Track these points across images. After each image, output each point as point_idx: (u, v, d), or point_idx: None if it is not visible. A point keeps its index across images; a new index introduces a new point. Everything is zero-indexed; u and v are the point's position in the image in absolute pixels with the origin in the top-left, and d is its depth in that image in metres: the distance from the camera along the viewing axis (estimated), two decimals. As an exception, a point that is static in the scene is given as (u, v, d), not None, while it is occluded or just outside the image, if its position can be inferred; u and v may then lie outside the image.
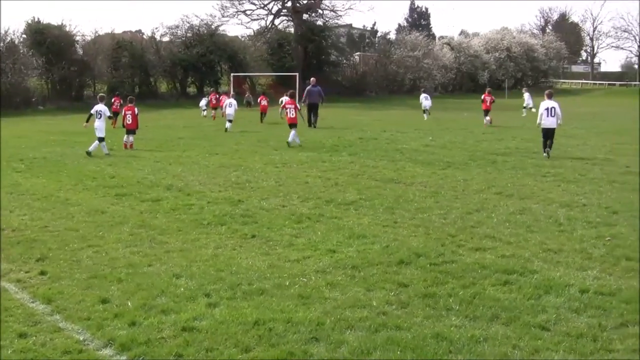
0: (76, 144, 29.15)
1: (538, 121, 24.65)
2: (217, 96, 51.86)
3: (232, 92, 49.42)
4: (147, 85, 76.36)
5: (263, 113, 45.39)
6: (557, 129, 24.34)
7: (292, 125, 28.15)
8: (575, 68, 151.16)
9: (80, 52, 73.56)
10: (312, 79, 42.32)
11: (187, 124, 42.89)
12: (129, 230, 12.70)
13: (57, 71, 67.17)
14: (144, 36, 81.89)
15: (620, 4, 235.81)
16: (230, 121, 37.11)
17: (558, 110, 24.16)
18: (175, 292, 9.05)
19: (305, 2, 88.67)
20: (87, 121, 26.22)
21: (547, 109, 24.16)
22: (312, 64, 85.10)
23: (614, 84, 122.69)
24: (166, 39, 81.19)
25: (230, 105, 38.20)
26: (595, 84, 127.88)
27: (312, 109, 39.11)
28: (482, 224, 12.99)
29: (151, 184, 18.13)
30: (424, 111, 47.88)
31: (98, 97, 28.18)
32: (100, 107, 25.91)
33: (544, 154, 23.57)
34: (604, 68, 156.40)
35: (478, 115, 42.96)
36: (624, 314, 8.11)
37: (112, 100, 41.29)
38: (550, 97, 24.82)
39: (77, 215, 14.11)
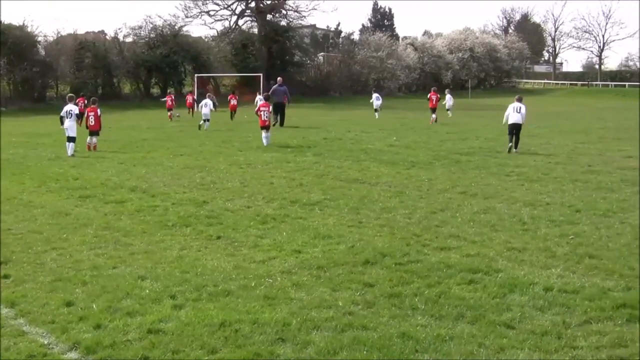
0: (39, 145, 28.89)
1: (504, 120, 26.17)
2: (173, 97, 52.23)
3: (208, 93, 50.24)
4: (110, 86, 75.87)
5: (233, 111, 48.00)
6: (521, 126, 25.80)
7: (266, 127, 28.21)
8: (538, 68, 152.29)
9: (43, 52, 72.91)
10: (278, 78, 43.45)
11: (151, 125, 42.64)
12: (93, 233, 12.61)
13: (19, 72, 66.53)
14: (107, 37, 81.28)
15: (581, 5, 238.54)
16: (207, 120, 38.41)
17: (523, 110, 25.97)
18: (140, 294, 9.00)
19: (269, 2, 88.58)
20: (62, 123, 25.94)
21: (513, 107, 26.09)
22: (276, 65, 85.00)
23: (576, 84, 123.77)
24: (129, 39, 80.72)
25: (205, 105, 39.45)
26: (558, 83, 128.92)
27: (278, 109, 39.60)
28: (447, 224, 13.06)
29: (115, 186, 18.01)
30: (375, 110, 50.46)
31: (67, 97, 28.00)
32: (70, 106, 25.81)
33: (509, 149, 25.13)
34: (565, 68, 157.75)
35: (442, 114, 43.24)
36: (587, 311, 8.19)
37: (77, 101, 41.07)
38: (519, 100, 26.62)
39: (41, 218, 13.98)
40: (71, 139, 25.24)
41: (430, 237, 11.93)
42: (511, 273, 9.69)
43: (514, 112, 25.87)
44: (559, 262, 10.29)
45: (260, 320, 7.95)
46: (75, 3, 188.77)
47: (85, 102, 40.71)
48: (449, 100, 50.26)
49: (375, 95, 52.25)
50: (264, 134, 27.99)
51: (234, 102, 48.85)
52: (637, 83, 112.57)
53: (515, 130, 25.53)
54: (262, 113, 28.18)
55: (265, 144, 27.58)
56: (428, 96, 44.49)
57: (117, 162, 22.83)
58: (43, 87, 71.86)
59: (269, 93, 37.43)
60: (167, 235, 12.39)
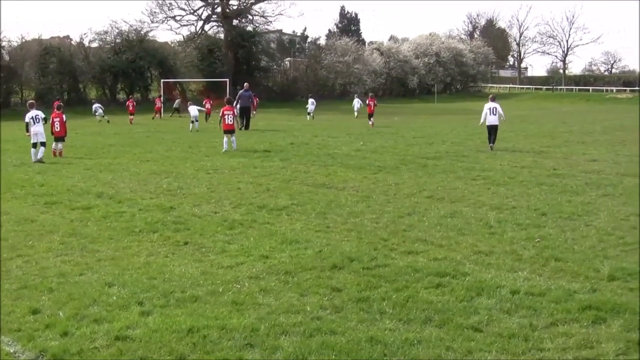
0: (3, 151, 28.62)
1: (481, 121, 28.68)
2: (134, 103, 55.15)
3: (190, 98, 53.51)
4: (76, 91, 75.56)
5: (208, 115, 51.96)
6: (499, 125, 28.17)
7: (229, 131, 28.21)
8: (503, 73, 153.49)
9: (7, 58, 72.36)
10: (245, 84, 44.52)
11: (118, 130, 42.45)
12: (60, 239, 12.51)
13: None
14: (73, 42, 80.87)
15: (545, 10, 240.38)
16: (196, 121, 41.69)
17: (499, 109, 28.15)
18: (107, 301, 8.94)
19: (235, 7, 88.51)
20: (27, 131, 25.73)
21: (489, 109, 28.06)
22: (243, 70, 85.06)
23: (541, 89, 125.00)
24: (95, 44, 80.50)
25: (194, 109, 42.51)
26: (523, 88, 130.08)
27: (244, 113, 41.08)
28: (414, 228, 13.10)
29: (81, 192, 17.88)
30: (309, 114, 55.79)
31: (28, 104, 27.75)
32: (34, 112, 25.65)
33: (489, 148, 27.35)
34: (530, 73, 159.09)
35: (408, 119, 43.48)
36: (553, 313, 8.25)
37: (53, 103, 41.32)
38: (493, 100, 28.79)
39: (6, 225, 13.84)
40: (43, 144, 25.15)
41: (397, 241, 11.96)
42: (478, 276, 9.73)
43: (490, 115, 27.88)
44: (526, 265, 10.36)
45: (228, 326, 7.93)
46: (39, 7, 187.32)
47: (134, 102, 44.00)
48: (356, 103, 57.07)
49: (310, 100, 57.63)
50: (226, 138, 27.98)
51: (208, 105, 53.83)
52: (601, 87, 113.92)
53: (493, 130, 27.79)
54: (225, 117, 28.17)
55: (225, 149, 27.61)
56: (367, 102, 48.31)
57: (83, 168, 22.68)
58: (7, 93, 71.37)
59: (235, 98, 37.69)
60: (134, 241, 12.31)
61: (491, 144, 27.50)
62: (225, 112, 28.25)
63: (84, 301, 8.92)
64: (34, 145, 25.18)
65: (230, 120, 28.13)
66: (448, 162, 23.28)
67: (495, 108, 28.00)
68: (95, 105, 55.76)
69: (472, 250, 11.25)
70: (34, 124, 25.30)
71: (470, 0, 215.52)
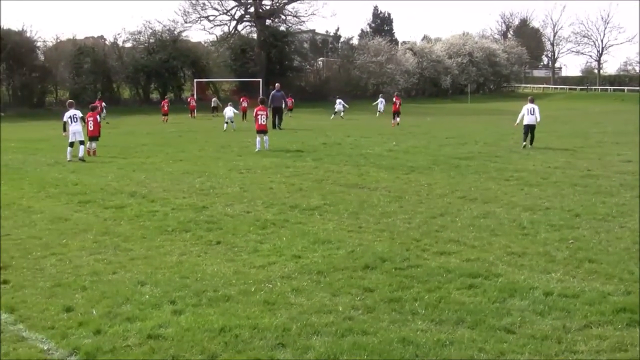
0: (38, 150, 28.92)
1: (517, 121, 29.73)
2: (168, 103, 55.42)
3: (214, 98, 53.56)
4: (109, 91, 76.06)
5: (244, 113, 53.23)
6: (536, 125, 28.81)
7: (262, 131, 28.33)
8: (537, 73, 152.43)
9: (42, 58, 73.18)
10: (276, 84, 45.15)
11: (150, 130, 42.69)
12: (93, 238, 12.59)
13: (18, 77, 66.75)
14: (107, 42, 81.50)
15: (579, 10, 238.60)
16: (232, 122, 41.71)
17: (537, 111, 28.84)
18: (140, 299, 8.98)
19: (268, 7, 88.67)
20: (65, 130, 26.08)
21: (527, 109, 28.97)
22: (275, 70, 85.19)
23: (575, 89, 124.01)
24: (129, 44, 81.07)
25: (230, 110, 42.19)
26: (557, 88, 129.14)
27: (276, 112, 41.88)
28: (446, 228, 13.04)
29: (115, 191, 18.00)
30: (335, 113, 56.44)
31: (67, 103, 28.05)
32: (73, 111, 26.03)
33: (522, 146, 28.07)
34: (564, 73, 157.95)
35: (441, 119, 43.29)
36: (587, 315, 8.17)
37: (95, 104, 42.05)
38: (532, 101, 29.73)
39: (40, 223, 13.97)
40: (81, 142, 25.57)
41: (429, 242, 11.91)
42: (511, 277, 9.68)
43: (528, 114, 28.76)
44: (559, 266, 10.28)
45: (260, 326, 7.94)
46: (74, 8, 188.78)
47: (104, 105, 43.34)
48: (338, 104, 57.03)
49: (338, 100, 58.02)
50: (258, 138, 28.09)
51: (245, 104, 54.89)
52: (637, 87, 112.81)
53: (530, 130, 28.60)
54: (259, 117, 28.29)
55: (257, 148, 27.75)
56: (393, 100, 48.55)
57: (116, 168, 22.83)
58: (42, 93, 72.18)
59: (270, 98, 37.94)
60: (167, 240, 12.37)
61: (525, 143, 28.17)
62: (258, 112, 28.35)
63: (116, 299, 8.97)
64: (71, 144, 25.44)
65: (264, 121, 28.22)
66: (481, 162, 23.16)
67: (534, 109, 28.80)
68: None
69: (505, 251, 11.18)
70: (72, 123, 25.65)
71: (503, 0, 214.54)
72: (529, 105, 29.10)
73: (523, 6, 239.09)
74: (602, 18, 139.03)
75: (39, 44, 72.79)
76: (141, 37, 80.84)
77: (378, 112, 56.90)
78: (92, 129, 27.28)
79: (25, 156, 26.80)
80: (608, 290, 9.10)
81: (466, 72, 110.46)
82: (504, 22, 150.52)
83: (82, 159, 24.95)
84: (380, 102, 58.62)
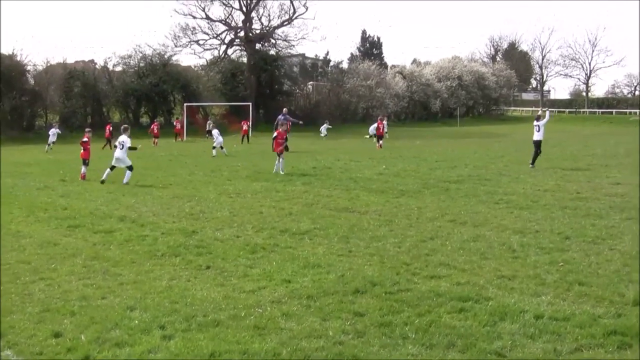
0: (27, 174, 28.84)
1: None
2: (159, 126, 55.42)
3: (209, 121, 53.57)
4: (99, 115, 76.07)
5: (244, 135, 55.10)
6: (540, 140, 30.45)
7: (280, 154, 28.47)
8: (526, 96, 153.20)
9: (32, 81, 73.11)
10: (284, 109, 47.42)
11: (140, 154, 42.59)
12: (82, 263, 12.55)
13: (8, 101, 66.61)
14: (97, 66, 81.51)
15: (567, 33, 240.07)
16: (222, 147, 40.94)
17: (540, 128, 30.77)
18: (129, 324, 8.94)
19: (258, 31, 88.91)
20: (110, 147, 26.67)
21: (534, 126, 31.21)
22: (265, 93, 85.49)
23: (563, 111, 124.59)
24: (119, 68, 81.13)
25: (219, 134, 41.83)
26: (545, 110, 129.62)
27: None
28: (437, 252, 13.04)
29: (104, 215, 17.96)
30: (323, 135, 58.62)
31: (122, 128, 28.22)
32: (124, 138, 26.28)
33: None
34: (553, 96, 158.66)
35: (431, 143, 43.40)
36: (578, 338, 8.18)
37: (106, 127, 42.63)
38: (537, 119, 31.67)
39: (29, 248, 13.92)
40: (129, 168, 25.84)
41: (420, 266, 11.91)
42: (501, 301, 9.68)
43: (534, 132, 30.86)
44: (549, 289, 10.29)
45: (250, 351, 7.91)
46: (64, 32, 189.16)
47: (110, 129, 43.28)
48: (372, 129, 55.13)
49: (324, 126, 61.37)
50: (281, 159, 28.41)
51: (245, 127, 56.38)
52: (625, 110, 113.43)
53: (535, 145, 30.42)
54: (277, 140, 28.79)
55: (275, 171, 27.92)
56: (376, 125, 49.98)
57: (106, 192, 22.78)
58: (32, 116, 72.07)
59: (276, 122, 38.24)
60: (157, 265, 12.33)
61: (531, 162, 29.96)
62: (277, 136, 28.67)
63: (105, 325, 8.93)
64: (112, 167, 25.98)
65: (281, 144, 28.84)
66: (471, 185, 23.20)
67: (537, 126, 30.87)
68: (53, 130, 51.02)
69: (495, 275, 11.18)
70: (119, 149, 25.97)
71: (492, 23, 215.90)
72: (535, 123, 31.32)
73: (512, 29, 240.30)
74: (590, 41, 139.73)
75: (29, 67, 72.79)
76: (131, 61, 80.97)
77: (323, 136, 58.70)
78: (83, 151, 27.37)
79: (14, 180, 26.72)
80: (599, 313, 9.11)
81: (455, 96, 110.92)
82: (493, 46, 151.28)
83: (126, 184, 25.10)
84: (324, 128, 60.78)
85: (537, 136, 30.66)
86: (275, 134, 29.67)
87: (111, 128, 52.44)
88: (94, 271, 11.91)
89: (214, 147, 40.82)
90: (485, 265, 11.86)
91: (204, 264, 12.31)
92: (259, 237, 14.72)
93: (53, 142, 48.92)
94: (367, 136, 55.48)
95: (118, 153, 25.93)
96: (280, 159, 28.29)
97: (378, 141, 47.54)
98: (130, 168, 25.82)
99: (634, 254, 12.52)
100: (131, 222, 16.93)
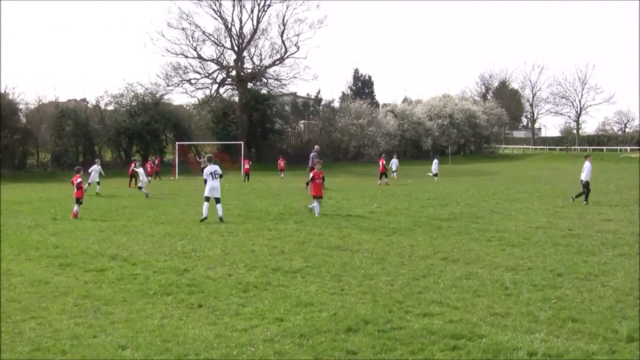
0: (18, 213, 28.76)
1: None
2: (152, 164, 55.72)
3: (203, 159, 54.21)
4: (91, 153, 75.97)
5: (246, 174, 56.51)
6: (586, 180, 30.72)
7: (318, 197, 27.18)
8: (517, 133, 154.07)
9: (24, 120, 73.12)
10: (315, 146, 46.78)
11: (132, 192, 42.60)
12: (73, 301, 12.49)
13: (0, 140, 66.54)
14: (89, 105, 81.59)
15: (557, 71, 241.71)
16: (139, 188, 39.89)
17: (585, 169, 31.10)
18: (120, 364, 8.89)
19: (249, 71, 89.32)
20: (205, 184, 26.42)
21: (583, 167, 31.69)
22: (257, 132, 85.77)
23: (554, 149, 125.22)
24: (111, 107, 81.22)
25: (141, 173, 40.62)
26: (536, 148, 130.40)
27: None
28: (429, 290, 13.02)
29: (96, 254, 17.90)
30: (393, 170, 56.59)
31: (206, 158, 28.40)
32: (213, 167, 25.99)
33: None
34: (544, 133, 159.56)
35: (422, 181, 43.46)
36: (571, 376, 8.15)
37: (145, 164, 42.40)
38: (586, 158, 32.46)
39: (20, 286, 13.85)
40: (217, 200, 25.47)
41: (412, 304, 11.89)
42: (495, 338, 9.65)
43: (581, 171, 31.32)
44: (542, 326, 10.27)
45: (242, 390, 7.86)
46: (56, 71, 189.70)
47: (152, 164, 42.51)
48: (394, 165, 56.92)
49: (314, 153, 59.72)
50: (316, 202, 26.89)
51: (247, 166, 58.34)
52: (615, 147, 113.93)
53: (582, 185, 30.79)
54: (317, 181, 27.44)
55: (311, 210, 26.95)
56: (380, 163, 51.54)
57: (97, 230, 22.72)
58: (24, 155, 71.96)
59: (310, 160, 38.25)
60: (148, 303, 12.28)
61: (572, 196, 31.06)
62: (314, 176, 27.67)
63: (97, 364, 8.87)
64: (207, 198, 25.46)
65: (320, 186, 27.56)
66: (462, 223, 23.22)
67: (584, 167, 31.34)
68: (95, 167, 44.07)
69: (488, 312, 11.17)
70: (213, 179, 25.60)
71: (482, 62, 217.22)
72: (584, 164, 31.82)
73: (502, 68, 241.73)
74: (580, 79, 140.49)
75: (21, 106, 72.84)
76: (123, 100, 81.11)
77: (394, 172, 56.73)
78: (75, 190, 27.33)
79: (5, 219, 26.62)
80: (592, 350, 9.10)
81: (447, 134, 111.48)
82: (484, 84, 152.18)
83: (220, 219, 24.90)
84: (394, 164, 57.71)
85: (582, 176, 31.08)
86: (311, 174, 28.41)
87: (155, 162, 54.06)
88: (86, 310, 11.85)
89: (140, 187, 39.76)
90: (478, 303, 11.84)
91: (196, 302, 12.27)
92: (251, 276, 14.68)
93: (97, 182, 42.36)
94: (430, 174, 55.44)
95: (215, 182, 25.54)
96: (316, 203, 26.86)
97: (381, 178, 48.86)
98: (219, 201, 25.55)
99: (626, 291, 12.53)
100: (123, 260, 16.87)
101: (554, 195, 34.95)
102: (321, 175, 27.86)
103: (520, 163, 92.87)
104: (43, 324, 10.93)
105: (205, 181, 26.01)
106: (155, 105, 79.46)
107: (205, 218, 24.96)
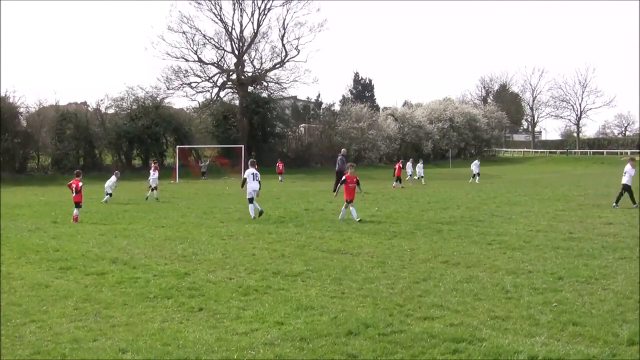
0: (19, 216, 28.75)
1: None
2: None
3: (204, 163, 53.90)
4: (91, 157, 76.07)
5: (280, 174, 60.17)
6: (628, 184, 30.46)
7: (350, 200, 26.52)
8: (517, 137, 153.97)
9: (24, 123, 73.12)
10: (342, 149, 46.66)
11: (132, 196, 42.58)
12: (74, 305, 12.48)
13: (0, 143, 66.52)
14: (89, 108, 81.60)
15: (557, 74, 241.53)
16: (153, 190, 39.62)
17: (627, 173, 30.74)
18: (121, 367, 8.88)
19: (250, 74, 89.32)
20: (242, 185, 28.00)
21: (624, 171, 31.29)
22: (257, 136, 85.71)
23: (555, 152, 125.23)
24: (111, 111, 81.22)
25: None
26: (537, 152, 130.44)
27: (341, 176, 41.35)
28: (430, 293, 13.01)
29: (96, 257, 17.88)
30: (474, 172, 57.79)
31: (249, 162, 29.30)
32: (253, 170, 27.51)
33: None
34: (544, 137, 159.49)
35: (423, 184, 43.37)
36: (572, 380, 8.14)
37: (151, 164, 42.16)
38: (628, 162, 31.89)
39: (20, 290, 13.84)
40: (251, 201, 27.11)
41: (413, 307, 11.87)
42: (495, 342, 9.64)
43: (623, 175, 31.03)
44: (543, 329, 10.26)
45: (243, 393, 7.85)
46: (57, 74, 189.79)
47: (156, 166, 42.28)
48: (418, 168, 57.85)
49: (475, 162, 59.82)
50: (351, 207, 26.34)
51: (281, 166, 62.85)
52: (615, 150, 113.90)
53: (622, 188, 30.58)
54: (351, 185, 26.70)
55: (342, 218, 26.33)
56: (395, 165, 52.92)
57: (98, 234, 22.71)
58: (24, 158, 71.93)
59: (338, 165, 38.53)
60: (149, 307, 12.27)
61: (614, 202, 30.33)
62: (347, 180, 26.84)
63: (97, 368, 8.86)
64: (250, 200, 27.04)
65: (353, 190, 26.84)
66: (463, 227, 23.20)
67: (625, 171, 30.92)
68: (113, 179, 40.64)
69: (489, 316, 11.15)
70: (253, 180, 27.12)
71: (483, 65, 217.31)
72: (625, 167, 31.45)
73: (502, 71, 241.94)
74: (580, 82, 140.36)
75: (21, 110, 72.84)
76: (124, 104, 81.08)
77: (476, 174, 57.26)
78: (75, 194, 27.32)
79: (5, 222, 26.62)
80: (593, 353, 9.08)
81: (447, 137, 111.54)
82: (484, 88, 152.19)
83: (260, 213, 26.77)
84: (475, 165, 58.62)
85: (623, 180, 30.88)
86: (343, 177, 27.49)
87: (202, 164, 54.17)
88: (86, 313, 11.84)
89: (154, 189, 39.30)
90: (479, 306, 11.83)
91: (197, 306, 12.26)
92: (251, 279, 14.67)
93: (109, 195, 38.00)
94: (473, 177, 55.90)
95: (256, 185, 27.16)
96: (351, 206, 26.32)
97: (397, 181, 50.74)
98: (251, 201, 27.12)
99: (627, 294, 12.52)
100: (123, 264, 16.86)
101: (555, 198, 34.95)
102: (355, 179, 26.95)
103: (520, 166, 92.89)
104: (43, 328, 10.92)
105: (244, 180, 27.63)
106: (156, 109, 79.44)
107: (259, 214, 26.85)
